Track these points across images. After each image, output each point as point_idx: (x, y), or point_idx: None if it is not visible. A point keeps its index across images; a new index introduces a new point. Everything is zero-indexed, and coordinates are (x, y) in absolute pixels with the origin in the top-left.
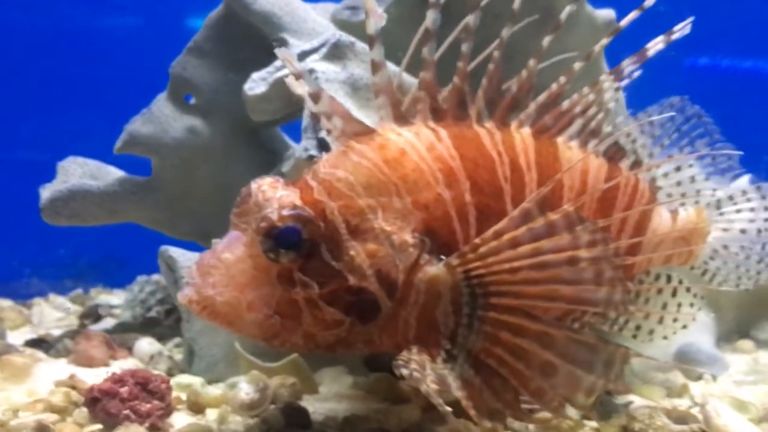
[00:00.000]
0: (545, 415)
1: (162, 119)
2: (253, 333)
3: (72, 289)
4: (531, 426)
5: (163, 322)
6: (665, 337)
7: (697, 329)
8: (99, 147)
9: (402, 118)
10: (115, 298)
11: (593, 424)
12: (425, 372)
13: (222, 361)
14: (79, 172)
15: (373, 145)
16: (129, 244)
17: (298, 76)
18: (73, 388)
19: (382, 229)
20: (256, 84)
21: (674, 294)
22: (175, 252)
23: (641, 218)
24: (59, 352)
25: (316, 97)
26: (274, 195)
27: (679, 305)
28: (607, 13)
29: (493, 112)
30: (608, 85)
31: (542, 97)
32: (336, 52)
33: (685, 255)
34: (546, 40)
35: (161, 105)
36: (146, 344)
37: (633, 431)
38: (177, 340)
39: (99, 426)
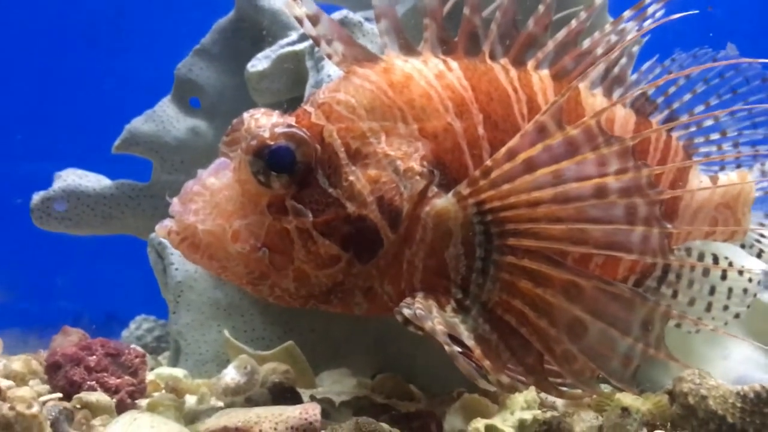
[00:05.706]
0: (576, 390)
1: (164, 119)
2: (237, 271)
3: None
4: (559, 400)
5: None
6: (713, 329)
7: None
8: None
9: (407, 46)
10: None
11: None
12: (432, 314)
13: (211, 361)
14: (77, 181)
15: (377, 69)
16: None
17: None
18: (35, 360)
19: (385, 153)
20: (259, 61)
21: (724, 277)
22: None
23: (676, 178)
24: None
25: (315, 19)
26: (269, 122)
27: (730, 290)
28: None
29: (508, 50)
30: (631, 27)
31: (561, 35)
32: None
33: (730, 229)
34: None
35: (164, 106)
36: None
37: (681, 393)
38: (168, 354)
39: (59, 395)
